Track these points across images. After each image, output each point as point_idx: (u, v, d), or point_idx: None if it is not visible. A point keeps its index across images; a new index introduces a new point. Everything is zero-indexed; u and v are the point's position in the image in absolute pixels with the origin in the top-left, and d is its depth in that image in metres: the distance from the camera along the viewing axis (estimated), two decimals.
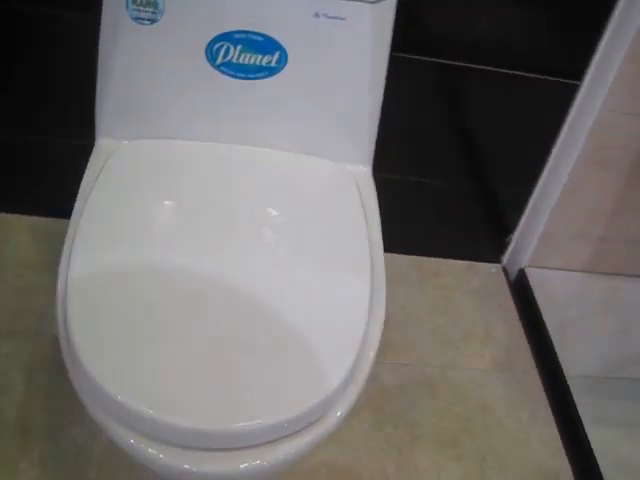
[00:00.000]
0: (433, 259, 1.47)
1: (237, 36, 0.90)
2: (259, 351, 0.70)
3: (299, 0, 0.88)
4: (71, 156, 1.22)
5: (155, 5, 0.87)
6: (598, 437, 1.15)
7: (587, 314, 1.46)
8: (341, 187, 0.93)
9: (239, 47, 0.90)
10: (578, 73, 1.23)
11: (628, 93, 1.23)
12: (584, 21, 1.17)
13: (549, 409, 1.22)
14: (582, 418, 1.17)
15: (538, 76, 1.23)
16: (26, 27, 1.09)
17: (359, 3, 0.89)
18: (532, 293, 1.45)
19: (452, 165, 1.35)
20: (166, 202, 0.87)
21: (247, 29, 0.89)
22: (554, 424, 1.19)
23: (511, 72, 1.21)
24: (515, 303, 1.45)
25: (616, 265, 1.53)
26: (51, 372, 1.06)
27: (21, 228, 1.30)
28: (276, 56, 0.91)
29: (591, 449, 1.13)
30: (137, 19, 0.88)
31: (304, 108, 0.96)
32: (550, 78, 1.23)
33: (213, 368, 0.68)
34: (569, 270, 1.53)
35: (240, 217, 0.85)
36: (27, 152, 1.25)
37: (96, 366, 0.66)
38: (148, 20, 0.88)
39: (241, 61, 0.91)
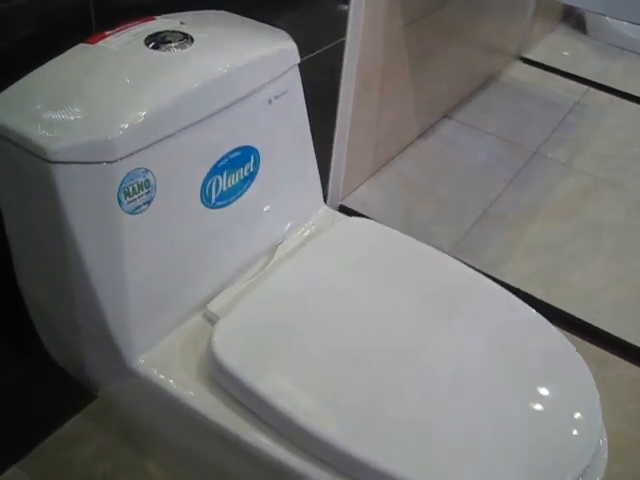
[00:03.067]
0: None
1: (220, 165, 0.80)
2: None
3: (255, 98, 0.82)
4: None
5: (147, 185, 0.71)
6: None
7: (403, 203, 1.73)
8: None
9: (225, 173, 0.81)
10: (341, 31, 1.36)
11: (371, 29, 1.43)
12: None
13: None
14: None
15: (322, 49, 1.33)
16: None
17: (292, 71, 0.87)
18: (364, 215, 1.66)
19: None
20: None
21: (226, 151, 0.80)
22: None
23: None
24: None
25: (389, 154, 1.84)
26: None
27: None
28: (252, 161, 0.85)
29: None
30: (134, 210, 0.71)
31: (286, 186, 0.92)
32: (326, 47, 1.34)
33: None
34: (367, 181, 1.77)
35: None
36: None
37: None
38: (145, 204, 0.72)
39: (229, 184, 0.82)
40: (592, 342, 1.41)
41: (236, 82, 0.78)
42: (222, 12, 0.93)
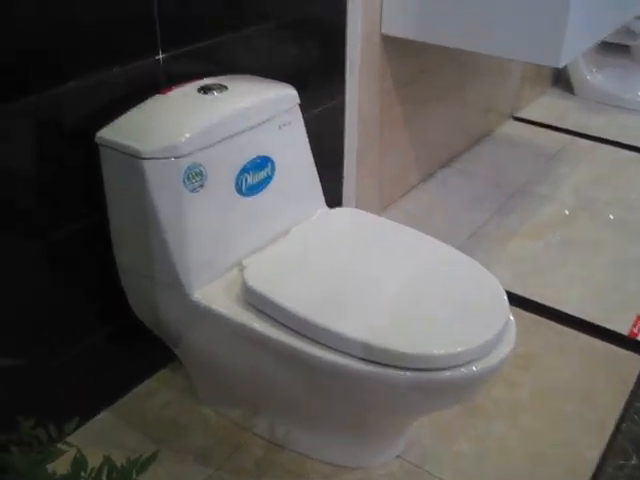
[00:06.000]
0: None
1: (248, 166, 1.22)
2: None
3: (269, 123, 1.25)
4: None
5: (201, 174, 1.14)
6: None
7: None
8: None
9: (251, 172, 1.23)
10: (341, 92, 1.81)
11: (366, 90, 1.88)
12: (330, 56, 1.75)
13: None
14: None
15: (325, 106, 1.77)
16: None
17: (294, 107, 1.30)
18: None
19: None
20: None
21: (251, 157, 1.23)
22: None
23: None
24: None
25: (394, 196, 2.24)
26: None
27: None
28: (269, 167, 1.27)
29: None
30: (193, 190, 1.14)
31: (295, 189, 1.34)
32: (329, 104, 1.79)
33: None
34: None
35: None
36: None
37: None
38: (200, 186, 1.15)
39: (254, 181, 1.25)
40: (559, 323, 1.73)
41: (255, 112, 1.22)
42: (248, 75, 1.39)
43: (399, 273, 1.18)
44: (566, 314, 1.74)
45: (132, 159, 1.10)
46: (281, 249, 1.24)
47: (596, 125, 2.87)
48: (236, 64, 1.42)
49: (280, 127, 1.28)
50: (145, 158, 1.09)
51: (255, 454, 1.36)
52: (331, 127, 1.84)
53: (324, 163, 1.84)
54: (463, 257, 1.23)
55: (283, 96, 1.28)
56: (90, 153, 1.18)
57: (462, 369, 1.05)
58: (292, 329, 1.09)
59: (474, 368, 1.06)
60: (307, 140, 1.36)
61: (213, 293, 1.18)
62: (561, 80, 3.31)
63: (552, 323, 1.72)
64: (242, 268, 1.22)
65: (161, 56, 1.27)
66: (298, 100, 1.31)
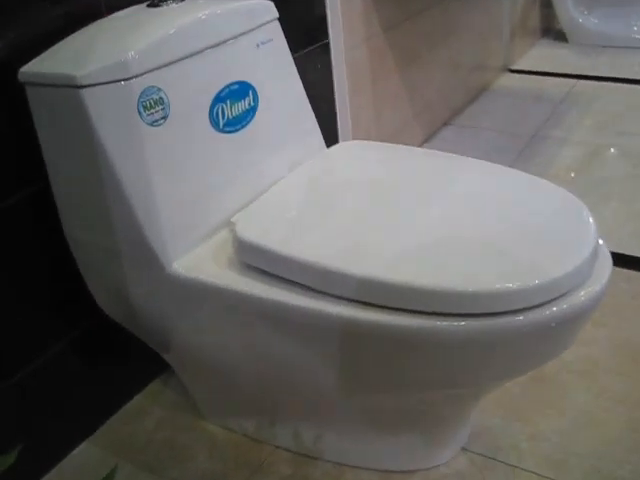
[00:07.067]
0: None
1: (222, 94, 0.94)
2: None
3: (243, 40, 0.97)
4: None
5: (162, 102, 0.85)
6: None
7: None
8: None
9: (228, 102, 0.94)
10: (324, 33, 1.54)
11: (351, 32, 1.61)
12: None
13: None
14: None
15: (307, 49, 1.49)
16: None
17: (273, 23, 1.02)
18: None
19: None
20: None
21: (226, 83, 0.94)
22: None
23: None
24: None
25: None
26: None
27: None
28: (250, 95, 0.98)
29: None
30: (153, 123, 0.84)
31: (286, 123, 1.05)
32: (312, 47, 1.51)
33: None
34: None
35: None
36: None
37: None
38: (162, 119, 0.85)
39: (234, 114, 0.96)
40: (622, 267, 1.44)
41: (221, 24, 0.94)
42: None
43: (442, 200, 0.90)
44: (628, 256, 1.46)
45: (67, 90, 0.81)
46: (279, 195, 0.95)
47: (598, 66, 2.62)
48: None
49: (259, 45, 0.99)
50: (84, 86, 0.80)
51: (281, 472, 1.05)
52: (318, 73, 1.55)
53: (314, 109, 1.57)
54: (524, 175, 0.94)
55: (256, 6, 1.00)
56: (21, 102, 0.89)
57: (542, 310, 0.76)
58: (312, 288, 0.79)
59: (555, 309, 0.77)
60: (293, 63, 1.08)
61: (196, 261, 0.89)
62: (550, 31, 3.06)
63: (615, 268, 1.43)
64: (232, 227, 0.92)
65: None
66: (276, 13, 1.03)
